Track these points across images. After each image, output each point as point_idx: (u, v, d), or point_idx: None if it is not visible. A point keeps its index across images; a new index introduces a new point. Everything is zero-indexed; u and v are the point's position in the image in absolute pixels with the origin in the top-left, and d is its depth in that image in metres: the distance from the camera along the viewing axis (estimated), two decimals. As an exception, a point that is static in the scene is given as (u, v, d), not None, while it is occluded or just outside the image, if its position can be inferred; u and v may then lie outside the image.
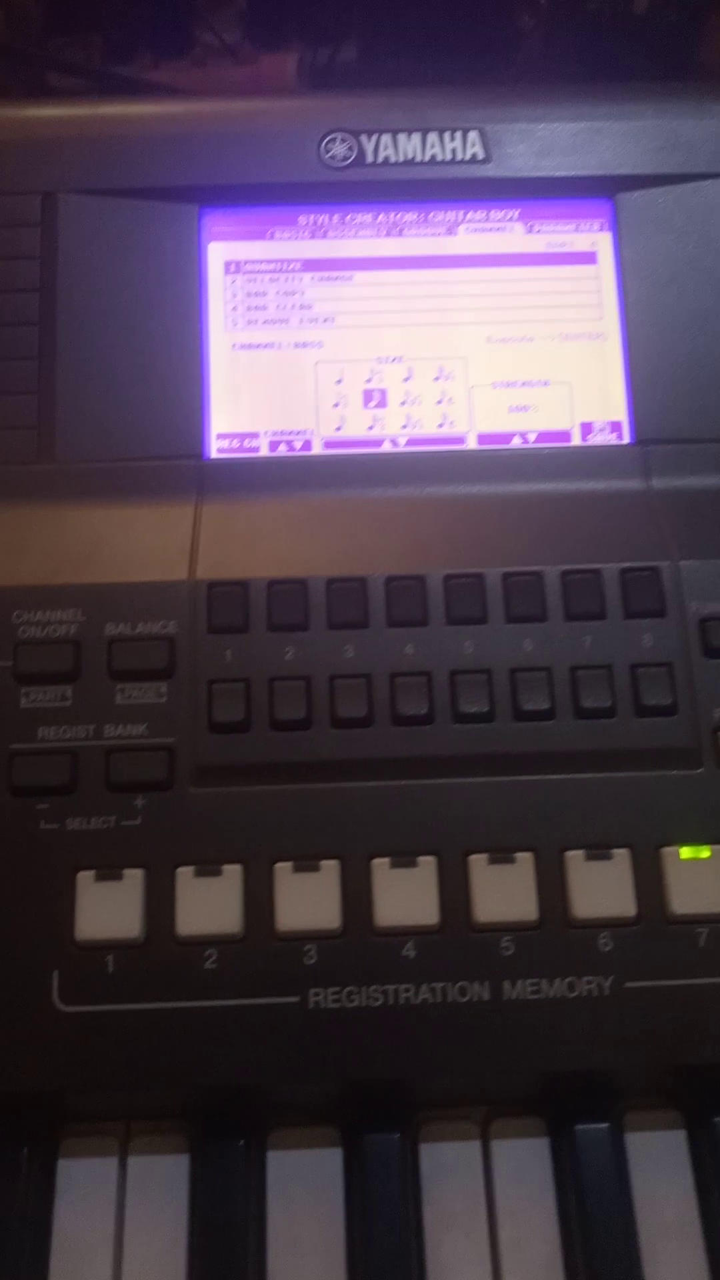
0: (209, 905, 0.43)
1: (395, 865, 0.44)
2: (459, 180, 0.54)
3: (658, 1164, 0.44)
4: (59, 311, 0.52)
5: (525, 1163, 0.44)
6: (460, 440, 0.53)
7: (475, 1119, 0.45)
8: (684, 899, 0.44)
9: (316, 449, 0.52)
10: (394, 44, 0.80)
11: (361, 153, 0.54)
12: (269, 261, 0.54)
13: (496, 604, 0.47)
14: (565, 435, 0.53)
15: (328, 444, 0.52)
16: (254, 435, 0.52)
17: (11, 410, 0.51)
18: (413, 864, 0.44)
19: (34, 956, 0.43)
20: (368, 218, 0.54)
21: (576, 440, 0.53)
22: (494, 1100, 0.45)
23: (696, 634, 0.47)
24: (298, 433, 0.53)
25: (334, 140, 0.54)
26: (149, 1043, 0.42)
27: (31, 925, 0.43)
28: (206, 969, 0.43)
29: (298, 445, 0.52)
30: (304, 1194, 0.44)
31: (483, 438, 0.53)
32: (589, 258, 0.54)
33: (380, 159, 0.54)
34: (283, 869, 0.44)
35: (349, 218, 0.54)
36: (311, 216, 0.54)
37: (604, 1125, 0.44)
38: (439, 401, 0.53)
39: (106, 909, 0.43)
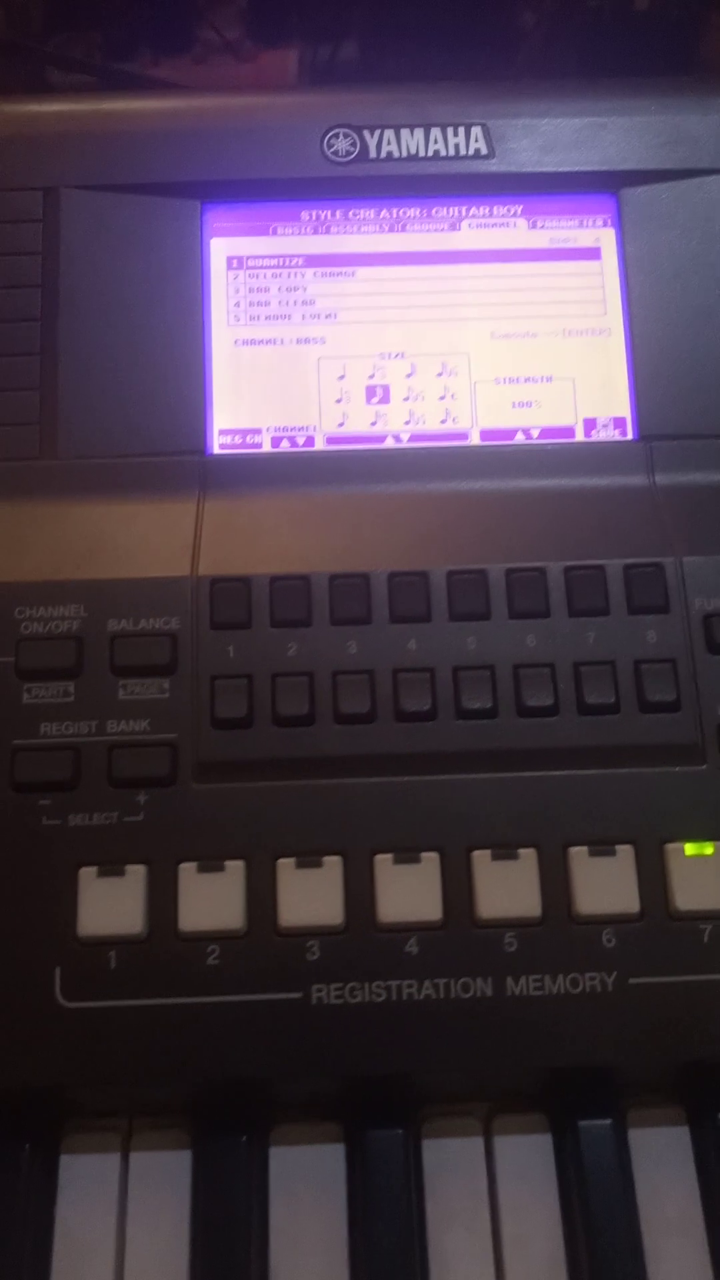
0: (211, 901, 0.43)
1: (398, 861, 0.44)
2: (462, 176, 0.54)
3: (660, 1160, 0.44)
4: (61, 307, 0.52)
5: (528, 1159, 0.44)
6: (463, 436, 0.53)
7: (478, 1115, 0.45)
8: (687, 895, 0.44)
9: (319, 445, 0.52)
10: (395, 41, 0.80)
11: (364, 148, 0.54)
12: (271, 257, 0.54)
13: (500, 600, 0.47)
14: (569, 431, 0.53)
15: (330, 440, 0.52)
16: (256, 431, 0.52)
17: (13, 406, 0.51)
18: (415, 860, 0.44)
19: (36, 952, 0.43)
20: (370, 213, 0.54)
21: (580, 436, 0.53)
22: (497, 1096, 0.45)
23: (700, 630, 0.47)
24: (300, 428, 0.52)
25: (337, 135, 0.54)
26: (151, 1039, 0.42)
27: (34, 921, 0.43)
28: (209, 965, 0.43)
29: (300, 441, 0.52)
30: (306, 1190, 0.44)
31: (486, 434, 0.53)
32: (592, 253, 0.54)
33: (383, 154, 0.54)
34: (285, 865, 0.44)
35: (352, 213, 0.54)
36: (314, 212, 0.54)
37: (607, 1121, 0.44)
38: (442, 397, 0.53)
39: (109, 905, 0.43)
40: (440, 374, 0.53)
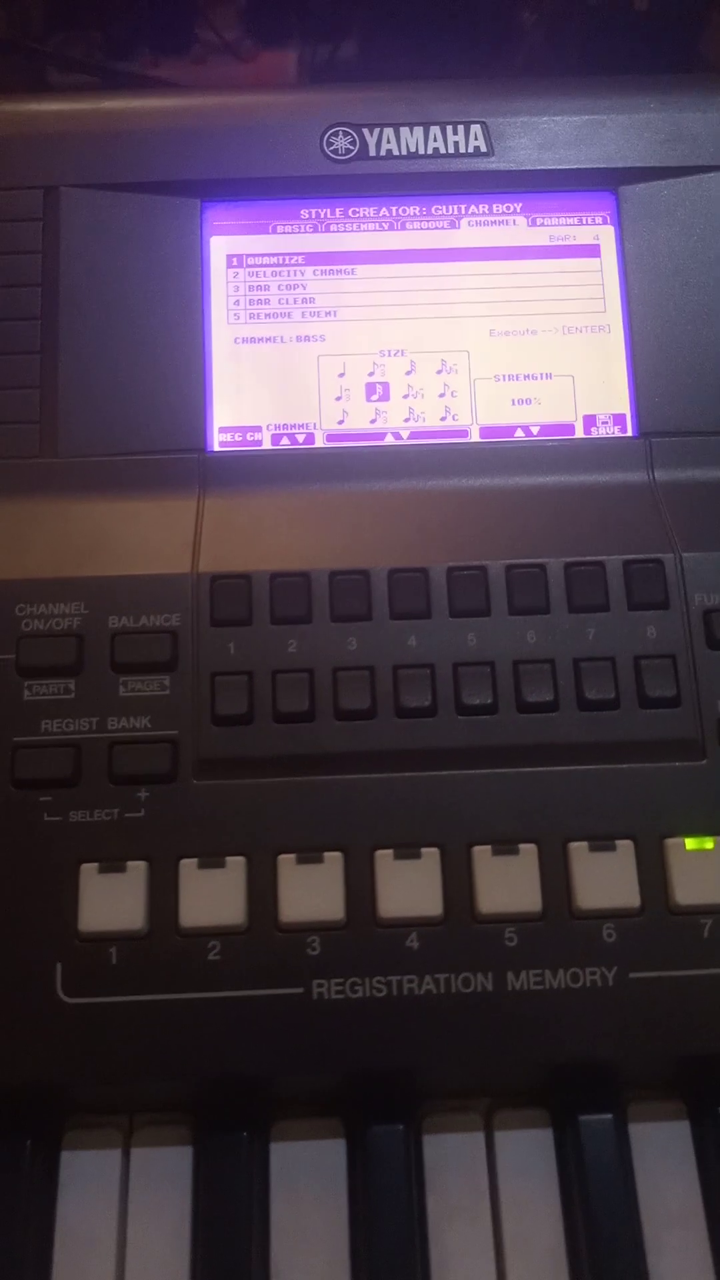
0: (212, 897, 0.43)
1: (399, 857, 0.44)
2: (461, 173, 0.54)
3: (661, 1155, 0.44)
4: (61, 306, 0.52)
5: (529, 1154, 0.44)
6: (463, 433, 0.53)
7: (479, 1110, 0.45)
8: (687, 890, 0.44)
9: (319, 442, 0.52)
10: (394, 41, 0.80)
11: (364, 146, 0.54)
12: (271, 255, 0.54)
13: (500, 596, 0.47)
14: (568, 428, 0.53)
15: (330, 437, 0.53)
16: (256, 429, 0.52)
17: (14, 405, 0.51)
18: (416, 855, 0.44)
19: (37, 948, 0.43)
20: (370, 211, 0.54)
21: (579, 433, 0.53)
22: (497, 1092, 0.45)
23: (700, 626, 0.47)
24: (300, 426, 0.53)
25: (336, 134, 0.54)
26: (152, 1034, 0.42)
27: (35, 917, 0.43)
28: (210, 960, 0.43)
29: (300, 438, 0.52)
30: (307, 1186, 0.44)
31: (485, 431, 0.53)
32: (592, 251, 0.54)
33: (383, 152, 0.54)
34: (286, 861, 0.44)
35: (351, 211, 0.54)
36: (314, 210, 0.54)
37: (607, 1116, 0.44)
38: (442, 395, 0.53)
39: (110, 901, 0.43)
40: (440, 371, 0.53)
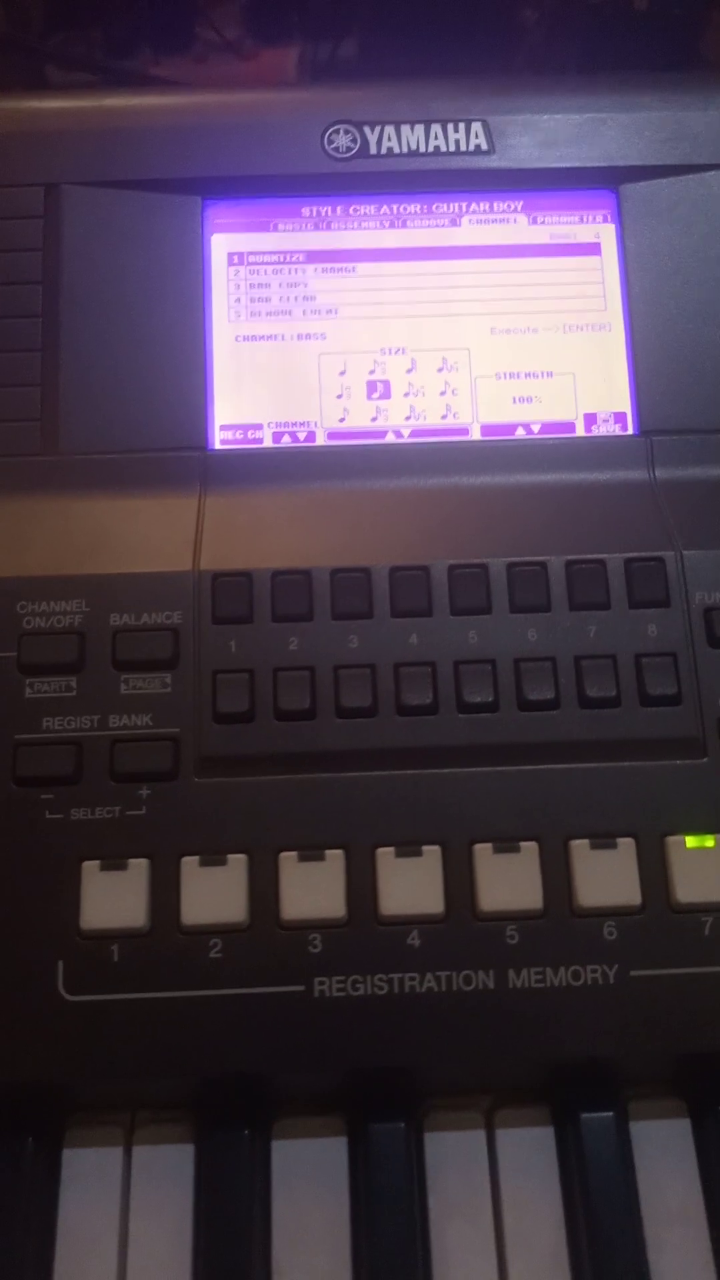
0: (214, 895, 0.43)
1: (400, 855, 0.44)
2: (463, 171, 0.54)
3: (662, 1152, 0.44)
4: (62, 304, 0.52)
5: (530, 1152, 0.44)
6: (464, 431, 0.53)
7: (480, 1108, 0.45)
8: (689, 888, 0.44)
9: (320, 440, 0.52)
10: (394, 40, 0.80)
11: (365, 144, 0.54)
12: (272, 253, 0.54)
13: (501, 594, 0.47)
14: (569, 426, 0.53)
15: (331, 435, 0.53)
16: (257, 426, 0.52)
17: (15, 402, 0.51)
18: (417, 853, 0.44)
19: (39, 946, 0.43)
20: (371, 209, 0.54)
21: (580, 431, 0.53)
22: (498, 1090, 0.45)
23: (701, 624, 0.47)
24: (301, 424, 0.53)
25: (337, 131, 0.54)
26: (154, 1032, 0.42)
27: (36, 915, 0.43)
28: (211, 958, 0.43)
29: (301, 436, 0.52)
30: (309, 1184, 0.44)
31: (486, 429, 0.53)
32: (593, 249, 0.54)
33: (384, 150, 0.54)
34: (287, 858, 0.44)
35: (352, 209, 0.54)
36: (315, 208, 0.54)
37: (608, 1114, 0.44)
38: (443, 393, 0.53)
39: (111, 899, 0.43)
40: (441, 369, 0.53)
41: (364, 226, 0.54)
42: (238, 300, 0.53)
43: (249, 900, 0.43)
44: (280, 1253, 0.42)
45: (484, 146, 0.54)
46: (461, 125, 0.54)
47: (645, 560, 0.47)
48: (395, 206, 0.54)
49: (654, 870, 0.44)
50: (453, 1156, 0.44)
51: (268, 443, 0.52)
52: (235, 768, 0.45)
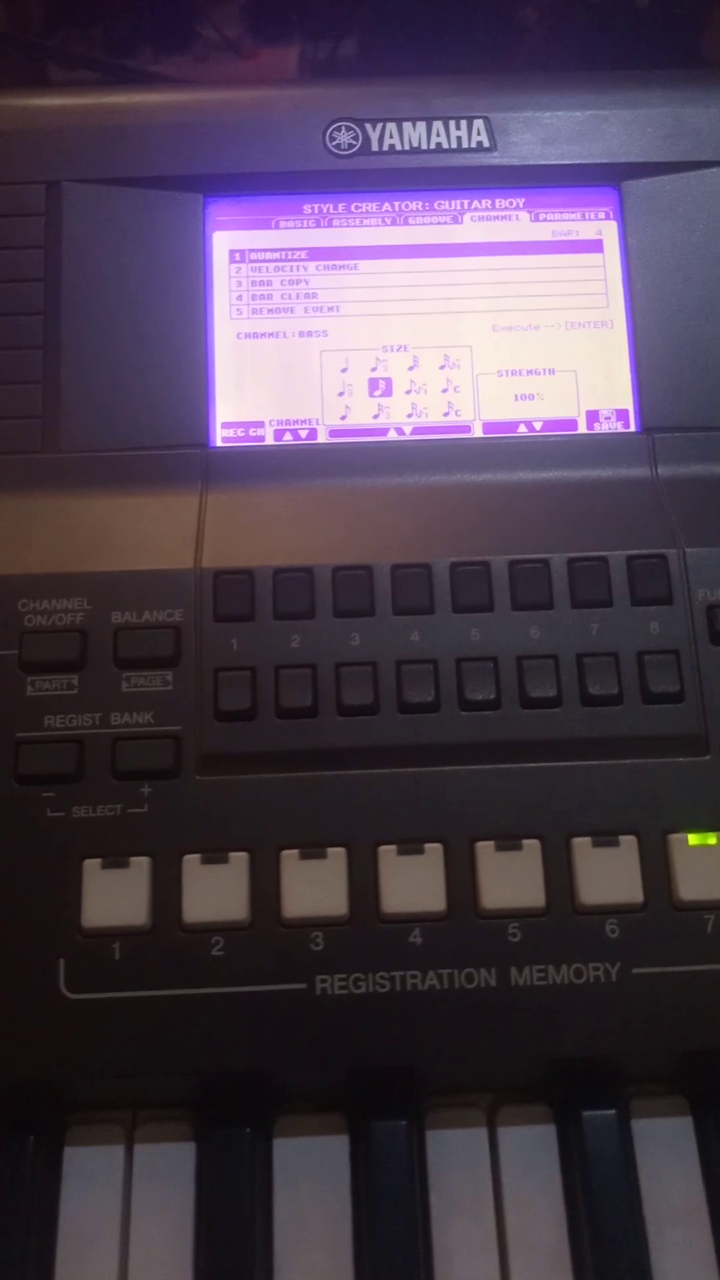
0: (215, 893, 0.43)
1: (402, 852, 0.44)
2: (464, 168, 0.54)
3: (664, 1150, 0.44)
4: (63, 301, 0.52)
5: (532, 1149, 0.44)
6: (466, 429, 0.53)
7: (481, 1106, 0.45)
8: (691, 885, 0.44)
9: (322, 438, 0.52)
10: (394, 39, 0.80)
11: (367, 141, 0.54)
12: (274, 250, 0.54)
13: (503, 591, 0.47)
14: (571, 423, 0.53)
15: (333, 433, 0.52)
16: (259, 424, 0.52)
17: (16, 400, 0.51)
18: (419, 851, 0.44)
19: (40, 944, 0.43)
20: (373, 206, 0.54)
21: (582, 428, 0.53)
22: (500, 1087, 0.45)
23: (703, 621, 0.47)
24: (303, 421, 0.52)
25: (339, 129, 0.54)
26: (155, 1030, 0.42)
27: (38, 913, 0.43)
28: (213, 956, 0.43)
29: (303, 434, 0.52)
30: (310, 1181, 0.44)
31: (488, 426, 0.53)
32: (595, 246, 0.54)
33: (385, 147, 0.54)
34: (289, 856, 0.44)
35: (354, 206, 0.54)
36: (316, 205, 0.54)
37: (610, 1112, 0.44)
38: (444, 390, 0.53)
39: (113, 897, 0.43)
40: (443, 367, 0.53)
41: (366, 224, 0.54)
42: (239, 298, 0.53)
43: (250, 898, 0.43)
44: (282, 1251, 0.42)
45: (486, 143, 0.54)
46: (463, 122, 0.54)
47: (647, 558, 0.47)
48: (397, 204, 0.54)
49: (656, 868, 0.44)
50: (454, 1154, 0.44)
51: (269, 440, 0.52)
52: (237, 765, 0.45)
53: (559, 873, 0.44)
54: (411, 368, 0.53)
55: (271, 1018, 0.42)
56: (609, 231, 0.54)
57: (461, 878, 0.44)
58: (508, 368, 0.53)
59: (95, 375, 0.51)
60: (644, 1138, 0.44)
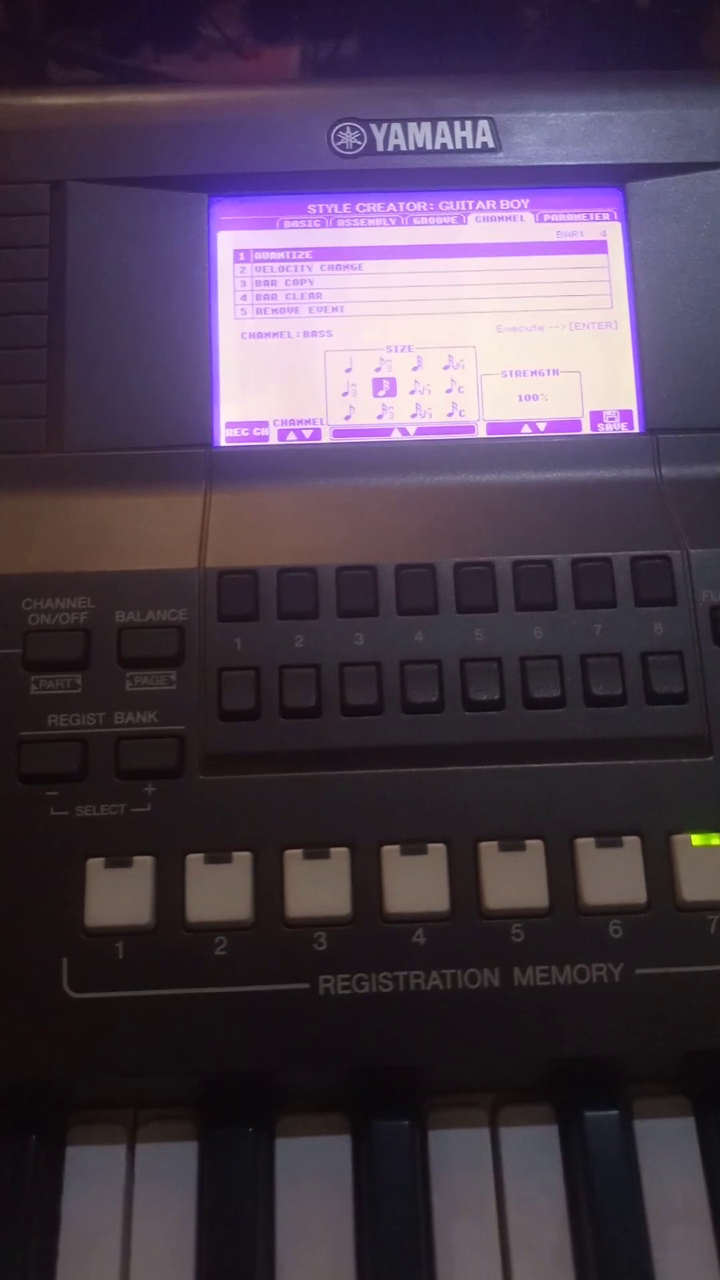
0: (219, 892, 0.43)
1: (405, 852, 0.44)
2: (469, 169, 0.54)
3: (667, 1151, 0.44)
4: (68, 300, 0.52)
5: (534, 1149, 0.44)
6: (470, 429, 0.53)
7: (484, 1106, 0.45)
8: (694, 886, 0.44)
9: (326, 437, 0.52)
10: (395, 39, 0.80)
11: (371, 141, 0.54)
12: (278, 250, 0.54)
13: (507, 592, 0.47)
14: (575, 424, 0.53)
15: (337, 433, 0.52)
16: (263, 424, 0.52)
17: (21, 399, 0.51)
18: (423, 851, 0.44)
19: (44, 943, 0.43)
20: (377, 206, 0.54)
21: (586, 429, 0.53)
22: (503, 1087, 0.45)
23: (707, 622, 0.47)
24: (307, 421, 0.53)
25: (344, 129, 0.54)
26: (158, 1030, 0.42)
27: (41, 912, 0.43)
28: (216, 956, 0.43)
29: (307, 434, 0.52)
30: (312, 1181, 0.44)
31: (492, 426, 0.53)
32: (599, 247, 0.54)
33: (390, 148, 0.54)
34: (292, 856, 0.44)
35: (359, 207, 0.54)
36: (321, 205, 0.54)
37: (613, 1112, 0.44)
38: (448, 390, 0.53)
39: (116, 896, 0.43)
40: (447, 367, 0.53)
41: (370, 224, 0.54)
42: (244, 297, 0.53)
43: (254, 898, 0.43)
44: (284, 1250, 0.42)
45: (490, 144, 0.54)
46: (468, 123, 0.54)
47: (651, 558, 0.47)
48: (402, 204, 0.54)
49: (660, 869, 0.44)
50: (457, 1154, 0.44)
51: (273, 440, 0.52)
52: (240, 765, 0.45)
53: (562, 873, 0.44)
54: (416, 368, 0.53)
55: (274, 1018, 0.42)
56: (613, 232, 0.54)
57: (465, 878, 0.44)
58: (512, 368, 0.53)
59: (99, 375, 0.51)
60: (646, 1138, 0.44)
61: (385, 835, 0.44)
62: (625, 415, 0.53)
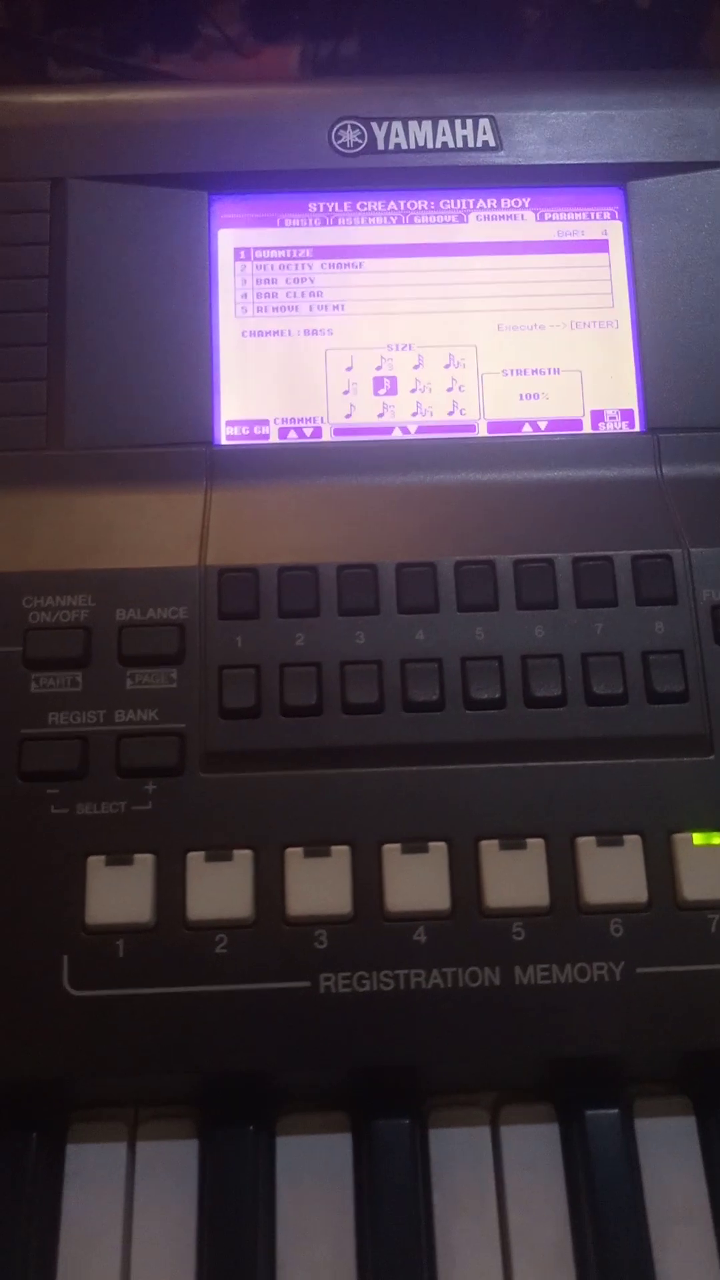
0: (219, 890, 0.43)
1: (406, 851, 0.44)
2: (470, 168, 0.54)
3: (667, 1150, 0.44)
4: (69, 298, 0.52)
5: (535, 1149, 0.44)
6: (471, 428, 0.53)
7: (485, 1105, 0.45)
8: (695, 885, 0.44)
9: (326, 436, 0.52)
10: (395, 38, 0.80)
11: (372, 140, 0.54)
12: (279, 248, 0.54)
13: (508, 591, 0.47)
14: (576, 423, 0.53)
15: (338, 431, 0.52)
16: (264, 422, 0.52)
17: (21, 396, 0.51)
18: (424, 850, 0.44)
19: (44, 941, 0.43)
20: (378, 205, 0.54)
21: (587, 428, 0.53)
22: (504, 1086, 0.45)
23: (708, 621, 0.47)
24: (307, 420, 0.52)
25: (345, 127, 0.54)
26: (159, 1028, 0.42)
27: (42, 910, 0.43)
28: (217, 954, 0.43)
29: (308, 432, 0.52)
30: (313, 1180, 0.44)
31: (493, 425, 0.53)
32: (600, 246, 0.54)
33: (391, 146, 0.54)
34: (293, 854, 0.44)
35: (359, 205, 0.54)
36: (322, 203, 0.54)
37: (613, 1111, 0.44)
38: (449, 389, 0.53)
39: (117, 894, 0.43)
40: (448, 366, 0.53)
41: (371, 222, 0.54)
42: (244, 296, 0.53)
43: (255, 896, 0.43)
44: (285, 1249, 0.42)
45: (492, 143, 0.54)
46: (469, 121, 0.54)
47: (652, 557, 0.47)
48: (402, 202, 0.54)
49: (661, 867, 0.44)
50: (457, 1153, 0.44)
51: (274, 438, 0.52)
52: (241, 763, 0.45)
53: (563, 872, 0.44)
54: (416, 366, 0.53)
55: (275, 1016, 0.42)
56: (614, 231, 0.54)
57: (466, 877, 0.44)
58: (513, 367, 0.53)
59: (100, 372, 0.51)
60: (647, 1137, 0.44)
61: (386, 834, 0.44)
62: (626, 414, 0.53)
